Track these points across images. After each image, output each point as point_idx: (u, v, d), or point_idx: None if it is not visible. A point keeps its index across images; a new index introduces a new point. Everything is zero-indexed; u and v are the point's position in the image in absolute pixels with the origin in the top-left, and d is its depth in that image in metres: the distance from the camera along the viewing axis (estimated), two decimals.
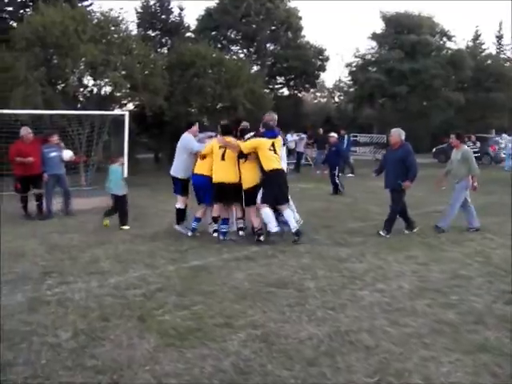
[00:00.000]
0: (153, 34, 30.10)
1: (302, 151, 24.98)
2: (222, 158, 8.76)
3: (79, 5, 22.98)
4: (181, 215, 9.62)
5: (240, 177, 8.78)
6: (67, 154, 12.07)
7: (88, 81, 21.64)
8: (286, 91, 36.49)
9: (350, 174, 21.29)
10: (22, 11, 23.69)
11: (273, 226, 8.64)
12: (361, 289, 6.21)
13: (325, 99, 53.94)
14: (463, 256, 7.85)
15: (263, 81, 28.20)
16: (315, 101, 51.36)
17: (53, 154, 11.48)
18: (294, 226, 8.65)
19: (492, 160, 27.65)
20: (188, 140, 9.49)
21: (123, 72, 20.02)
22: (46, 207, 11.52)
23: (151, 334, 4.81)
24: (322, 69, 35.19)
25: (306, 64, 33.15)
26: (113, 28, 20.41)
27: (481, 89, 34.22)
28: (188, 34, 31.58)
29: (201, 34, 30.67)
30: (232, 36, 33.53)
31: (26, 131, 11.68)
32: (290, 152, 26.50)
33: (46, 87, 19.00)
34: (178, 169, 9.55)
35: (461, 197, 9.84)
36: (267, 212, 8.57)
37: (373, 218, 11.14)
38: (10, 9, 24.35)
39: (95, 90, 21.79)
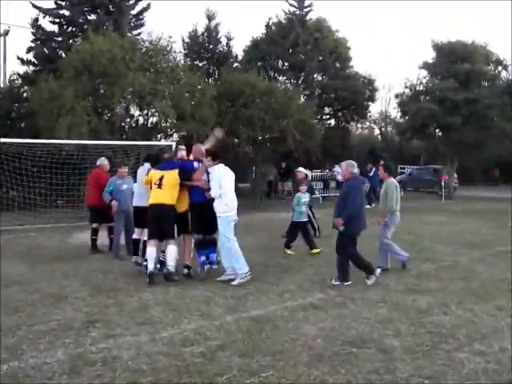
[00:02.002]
0: (200, 64, 29.87)
1: None
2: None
3: (128, 34, 22.75)
4: None
5: None
6: None
7: (134, 111, 21.34)
8: (332, 122, 35.65)
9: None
10: (70, 41, 23.65)
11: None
12: (456, 350, 5.23)
13: (366, 130, 52.86)
14: None
15: (313, 111, 27.45)
16: (357, 132, 50.18)
17: (125, 187, 10.49)
18: (150, 267, 8.16)
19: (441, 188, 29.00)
20: None
21: (170, 102, 19.55)
22: (115, 245, 10.50)
23: None
24: (372, 99, 34.32)
25: (354, 94, 32.29)
26: (161, 57, 20.06)
27: None
28: (236, 65, 31.24)
29: (248, 65, 30.25)
30: (279, 66, 33.04)
31: (106, 161, 11.55)
32: (338, 184, 25.61)
33: (92, 116, 18.67)
34: None
35: (386, 231, 9.16)
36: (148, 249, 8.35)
37: (443, 259, 10.21)
38: (59, 39, 24.35)
39: (141, 119, 21.47)
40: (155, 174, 8.48)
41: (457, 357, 5.04)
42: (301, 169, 14.02)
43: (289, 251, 10.87)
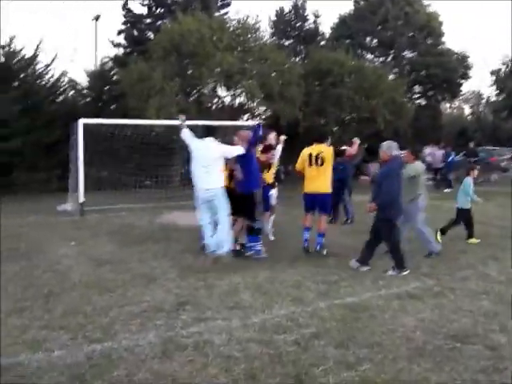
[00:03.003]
0: (286, 43, 29.53)
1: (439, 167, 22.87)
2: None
3: (216, 14, 22.75)
4: None
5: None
6: None
7: (222, 91, 21.39)
8: (422, 101, 34.22)
9: (447, 189, 20.30)
10: (159, 22, 23.96)
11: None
12: None
13: (455, 110, 50.54)
14: None
15: (403, 90, 26.42)
16: (446, 111, 47.99)
17: None
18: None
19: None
20: None
21: (257, 81, 19.41)
22: None
23: None
24: (465, 77, 32.64)
25: (447, 72, 30.73)
26: (249, 36, 19.94)
27: None
28: (323, 43, 30.65)
29: (335, 42, 29.60)
30: (368, 43, 32.10)
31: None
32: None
33: (181, 97, 18.86)
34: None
35: (420, 218, 8.59)
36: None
37: None
38: (148, 21, 24.73)
39: (228, 99, 21.51)
40: None
41: None
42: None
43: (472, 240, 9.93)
